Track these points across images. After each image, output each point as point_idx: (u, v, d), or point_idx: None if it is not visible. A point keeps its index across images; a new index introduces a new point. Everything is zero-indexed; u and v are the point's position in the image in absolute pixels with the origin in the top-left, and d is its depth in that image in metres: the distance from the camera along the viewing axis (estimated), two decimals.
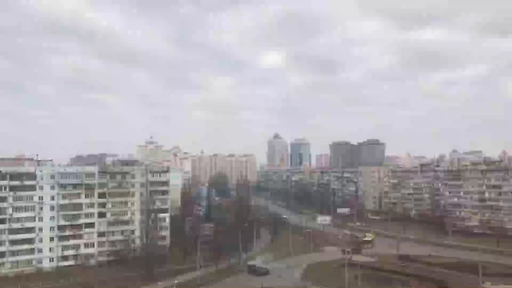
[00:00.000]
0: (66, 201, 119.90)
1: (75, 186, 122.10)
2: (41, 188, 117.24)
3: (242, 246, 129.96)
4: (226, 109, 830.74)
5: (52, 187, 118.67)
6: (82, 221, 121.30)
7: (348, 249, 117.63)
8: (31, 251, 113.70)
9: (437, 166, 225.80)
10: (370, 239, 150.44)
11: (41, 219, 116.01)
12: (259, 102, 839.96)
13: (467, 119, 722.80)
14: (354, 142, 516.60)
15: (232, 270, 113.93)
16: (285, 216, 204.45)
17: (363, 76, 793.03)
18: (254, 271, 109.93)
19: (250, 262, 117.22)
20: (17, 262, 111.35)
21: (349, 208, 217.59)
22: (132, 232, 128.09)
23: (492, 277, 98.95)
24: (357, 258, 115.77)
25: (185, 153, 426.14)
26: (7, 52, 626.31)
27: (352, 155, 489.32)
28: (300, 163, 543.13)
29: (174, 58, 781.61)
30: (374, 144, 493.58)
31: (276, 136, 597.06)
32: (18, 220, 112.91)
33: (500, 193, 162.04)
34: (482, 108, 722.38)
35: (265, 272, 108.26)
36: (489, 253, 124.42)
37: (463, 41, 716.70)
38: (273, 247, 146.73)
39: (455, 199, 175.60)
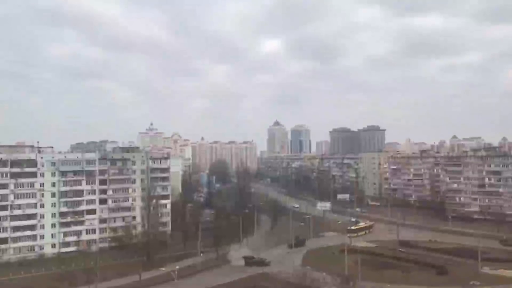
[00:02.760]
0: (67, 188, 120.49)
1: (76, 173, 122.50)
2: (42, 175, 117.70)
3: (242, 232, 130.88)
4: (226, 96, 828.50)
5: (53, 174, 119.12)
6: (83, 207, 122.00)
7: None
8: (33, 237, 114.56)
9: (437, 152, 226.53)
10: (363, 226, 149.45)
11: (42, 206, 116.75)
12: (259, 89, 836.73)
13: (467, 105, 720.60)
14: (354, 128, 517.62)
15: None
16: (296, 206, 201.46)
17: (363, 62, 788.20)
18: (252, 263, 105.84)
19: (247, 254, 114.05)
20: (19, 248, 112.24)
21: (349, 195, 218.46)
22: (133, 218, 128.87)
23: (491, 263, 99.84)
24: (357, 243, 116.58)
25: (186, 140, 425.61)
26: (6, 40, 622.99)
27: (352, 142, 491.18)
28: (300, 150, 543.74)
29: (173, 46, 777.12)
30: (374, 131, 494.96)
31: (276, 123, 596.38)
32: (19, 206, 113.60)
33: (499, 179, 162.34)
34: (482, 94, 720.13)
35: (266, 264, 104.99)
36: (488, 239, 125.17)
37: (463, 27, 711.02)
38: (273, 233, 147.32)
39: (455, 185, 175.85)
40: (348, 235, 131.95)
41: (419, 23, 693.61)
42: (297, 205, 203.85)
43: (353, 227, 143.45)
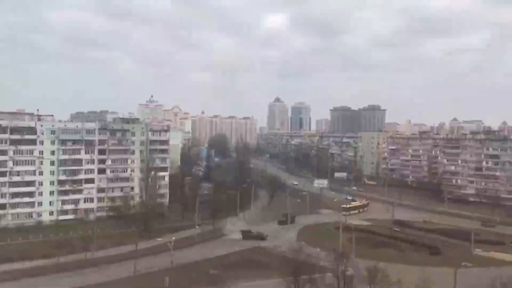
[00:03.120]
0: (66, 157, 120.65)
1: (75, 142, 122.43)
2: (42, 142, 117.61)
3: (239, 207, 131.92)
4: (227, 70, 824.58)
5: (53, 142, 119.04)
6: (82, 176, 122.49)
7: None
8: (31, 204, 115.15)
9: (437, 134, 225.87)
10: (356, 205, 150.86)
11: (41, 173, 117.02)
12: (260, 65, 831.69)
13: (469, 87, 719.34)
14: (355, 107, 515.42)
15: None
16: (296, 183, 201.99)
17: (366, 41, 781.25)
18: (250, 237, 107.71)
19: (243, 227, 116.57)
20: (18, 214, 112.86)
21: (346, 173, 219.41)
22: (132, 189, 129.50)
23: (484, 245, 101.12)
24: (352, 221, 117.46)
25: (186, 113, 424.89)
26: (8, 6, 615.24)
27: (352, 121, 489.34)
28: (300, 127, 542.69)
29: (175, 16, 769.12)
30: (375, 110, 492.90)
31: (277, 100, 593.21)
32: (18, 173, 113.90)
33: (497, 163, 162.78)
34: (484, 77, 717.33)
35: (264, 238, 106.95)
36: (483, 221, 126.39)
37: (466, 9, 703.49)
38: (270, 208, 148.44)
39: (453, 167, 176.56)
40: (343, 213, 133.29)
41: (423, 3, 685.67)
42: (296, 182, 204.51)
43: (347, 205, 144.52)
